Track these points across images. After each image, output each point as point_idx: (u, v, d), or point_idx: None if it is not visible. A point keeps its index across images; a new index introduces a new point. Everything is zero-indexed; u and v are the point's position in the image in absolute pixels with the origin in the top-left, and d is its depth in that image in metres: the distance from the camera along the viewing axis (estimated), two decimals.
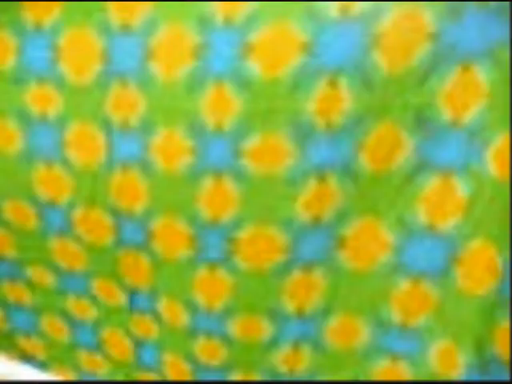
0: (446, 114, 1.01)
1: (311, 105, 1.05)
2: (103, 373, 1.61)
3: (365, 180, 1.10)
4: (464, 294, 1.07)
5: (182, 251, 1.28)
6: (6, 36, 1.26)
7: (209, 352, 1.38)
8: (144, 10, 1.13)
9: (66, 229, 1.39)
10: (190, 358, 1.42)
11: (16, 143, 1.34)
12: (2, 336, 1.71)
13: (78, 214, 1.35)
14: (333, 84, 1.03)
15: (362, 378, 1.27)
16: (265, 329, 1.29)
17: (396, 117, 1.03)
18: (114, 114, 1.22)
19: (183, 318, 1.37)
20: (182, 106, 1.14)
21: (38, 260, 1.49)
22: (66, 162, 1.30)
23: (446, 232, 1.08)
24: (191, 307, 1.34)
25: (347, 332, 1.24)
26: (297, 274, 1.21)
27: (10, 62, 1.27)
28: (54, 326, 1.61)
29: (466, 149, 1.02)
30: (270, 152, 1.11)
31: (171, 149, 1.18)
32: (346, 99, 1.03)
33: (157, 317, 1.43)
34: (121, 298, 1.45)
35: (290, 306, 1.25)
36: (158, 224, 1.28)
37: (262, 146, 1.11)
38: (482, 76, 0.96)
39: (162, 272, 1.34)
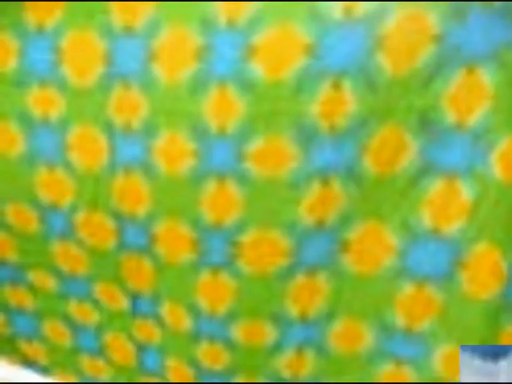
0: (451, 117, 1.00)
1: (315, 107, 1.05)
2: (105, 377, 1.61)
3: (369, 183, 1.09)
4: (468, 298, 1.07)
5: (185, 255, 1.28)
6: (8, 38, 1.26)
7: (212, 356, 1.37)
8: (146, 11, 1.13)
9: (67, 232, 1.39)
10: (193, 362, 1.42)
11: (18, 146, 1.34)
12: (3, 340, 1.70)
13: (80, 217, 1.35)
14: (336, 86, 1.02)
15: (365, 382, 1.27)
16: (268, 333, 1.29)
17: (400, 119, 1.03)
18: (116, 117, 1.22)
19: (186, 323, 1.36)
20: (185, 109, 1.14)
21: (39, 264, 1.49)
22: (68, 165, 1.30)
23: (451, 235, 1.07)
24: (194, 311, 1.33)
25: (351, 336, 1.24)
26: (300, 278, 1.20)
27: (12, 64, 1.27)
28: (55, 331, 1.61)
29: (470, 151, 1.01)
30: (274, 155, 1.10)
31: (174, 152, 1.18)
32: (350, 101, 1.03)
33: (159, 321, 1.42)
34: (123, 302, 1.45)
35: (293, 310, 1.25)
36: (160, 227, 1.27)
37: (265, 149, 1.11)
38: (487, 78, 0.95)
39: (165, 276, 1.33)
